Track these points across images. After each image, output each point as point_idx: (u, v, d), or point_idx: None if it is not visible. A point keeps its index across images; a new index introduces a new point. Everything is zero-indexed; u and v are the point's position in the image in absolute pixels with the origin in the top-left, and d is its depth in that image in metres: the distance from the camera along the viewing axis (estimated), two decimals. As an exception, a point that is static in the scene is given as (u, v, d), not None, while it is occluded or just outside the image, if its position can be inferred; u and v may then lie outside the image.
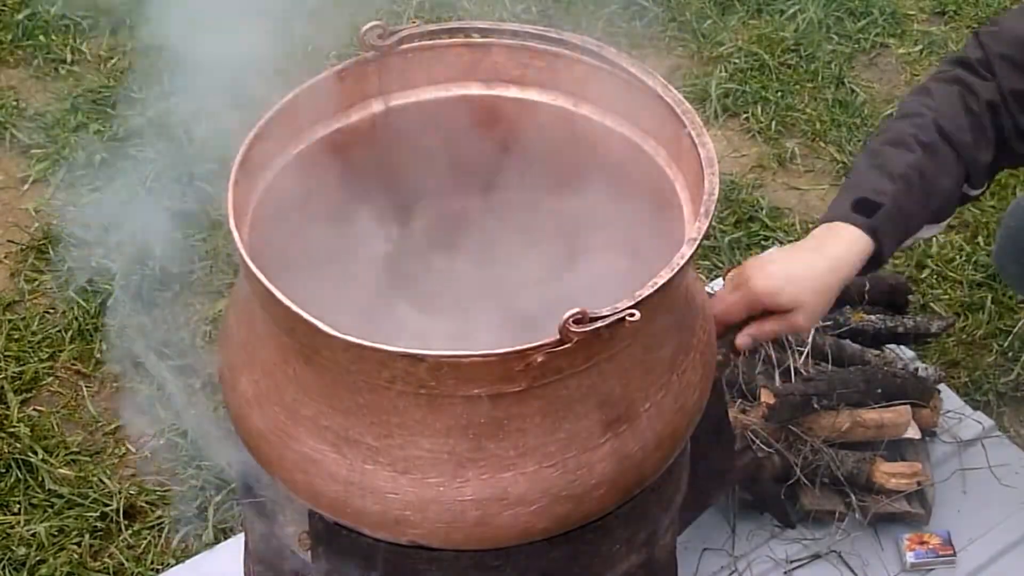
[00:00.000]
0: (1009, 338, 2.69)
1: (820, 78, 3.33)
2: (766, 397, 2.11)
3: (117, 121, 3.12)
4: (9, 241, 2.91)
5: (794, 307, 1.79)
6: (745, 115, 3.25)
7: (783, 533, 2.21)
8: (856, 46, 3.45)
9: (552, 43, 1.69)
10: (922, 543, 2.18)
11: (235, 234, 1.47)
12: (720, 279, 2.42)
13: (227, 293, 2.66)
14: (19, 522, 2.39)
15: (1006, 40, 1.92)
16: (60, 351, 2.66)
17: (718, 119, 3.23)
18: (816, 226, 1.88)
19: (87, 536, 2.37)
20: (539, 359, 1.38)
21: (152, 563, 2.33)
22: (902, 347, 2.40)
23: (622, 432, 1.49)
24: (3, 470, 2.46)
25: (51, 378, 2.63)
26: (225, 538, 2.32)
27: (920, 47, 3.45)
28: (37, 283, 2.80)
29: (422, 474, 1.45)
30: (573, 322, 1.35)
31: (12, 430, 2.52)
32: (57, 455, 2.48)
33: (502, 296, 1.80)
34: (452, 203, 1.82)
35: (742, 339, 1.80)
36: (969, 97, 1.90)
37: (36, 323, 2.71)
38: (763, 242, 2.90)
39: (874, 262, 1.86)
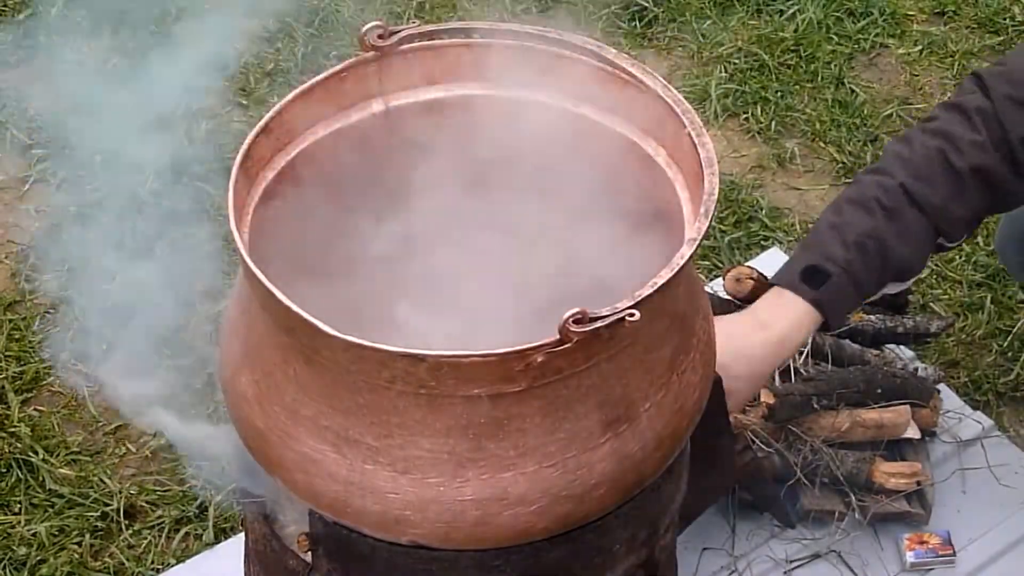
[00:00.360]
0: (1009, 338, 2.69)
1: (820, 78, 3.33)
2: (766, 397, 2.12)
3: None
4: (9, 241, 2.91)
5: (727, 391, 1.79)
6: (745, 115, 3.25)
7: (783, 533, 2.21)
8: (856, 46, 3.45)
9: (552, 43, 1.69)
10: (922, 543, 2.18)
11: (235, 234, 1.47)
12: (720, 279, 2.42)
13: (227, 293, 2.66)
14: (20, 522, 2.39)
15: (1015, 80, 1.84)
16: (60, 351, 2.66)
17: (718, 119, 3.23)
18: (772, 282, 1.90)
19: (88, 536, 2.37)
20: (539, 359, 1.38)
21: (152, 563, 2.33)
22: (902, 347, 2.40)
23: (622, 432, 1.49)
24: (4, 470, 2.46)
25: (51, 378, 2.63)
26: (225, 538, 2.33)
27: (920, 47, 3.45)
28: (37, 283, 2.80)
29: (422, 474, 1.45)
30: (573, 322, 1.35)
31: (13, 430, 2.52)
32: (58, 455, 2.49)
33: (502, 296, 1.80)
34: (452, 203, 1.82)
35: None
36: (953, 154, 1.84)
37: (36, 323, 2.72)
38: (763, 242, 2.90)
39: (825, 328, 1.85)
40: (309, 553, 1.63)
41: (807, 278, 1.84)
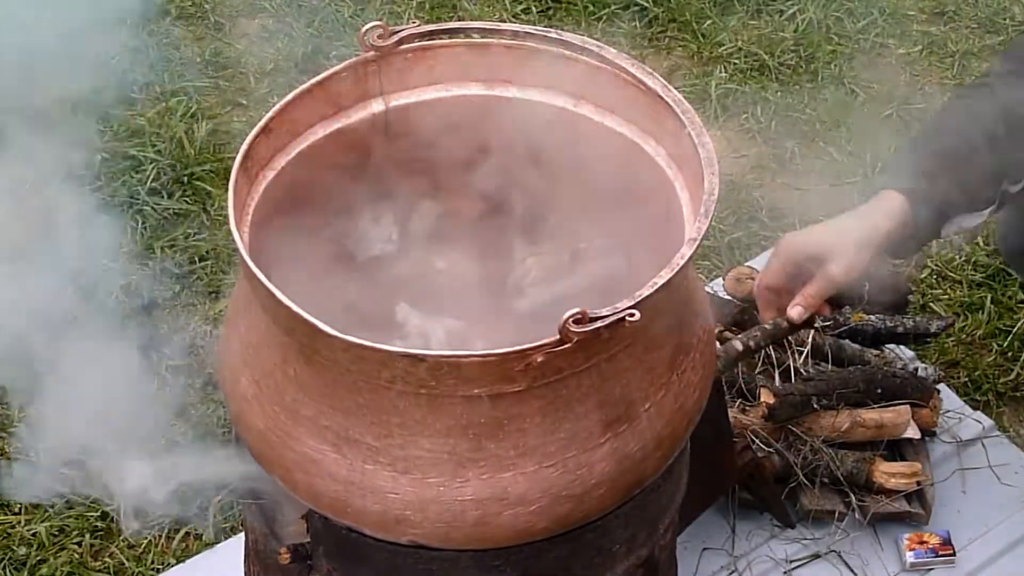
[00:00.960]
0: (1009, 338, 2.69)
1: (820, 78, 3.33)
2: (766, 397, 2.12)
3: (118, 120, 3.12)
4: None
5: (824, 254, 1.84)
6: (745, 115, 3.25)
7: (783, 533, 2.21)
8: (856, 46, 3.45)
9: (552, 43, 1.69)
10: (922, 543, 2.18)
11: (235, 234, 1.47)
12: (720, 279, 2.42)
13: (227, 293, 2.66)
14: (20, 522, 2.39)
15: (1009, 56, 1.99)
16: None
17: (718, 119, 3.23)
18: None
19: (88, 536, 2.37)
20: (539, 359, 1.38)
21: (152, 563, 2.33)
22: (902, 347, 2.40)
23: (622, 432, 1.49)
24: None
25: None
26: (225, 538, 2.32)
27: (920, 47, 3.45)
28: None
29: (422, 474, 1.45)
30: (573, 322, 1.35)
31: (13, 430, 2.52)
32: (57, 455, 2.49)
33: (502, 296, 1.80)
34: (452, 203, 1.82)
35: (793, 310, 1.85)
36: (1003, 95, 1.94)
37: (36, 323, 2.71)
38: (763, 242, 2.90)
39: (914, 232, 1.88)
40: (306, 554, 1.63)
41: (887, 173, 1.92)
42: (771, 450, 2.13)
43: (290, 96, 1.63)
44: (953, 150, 1.90)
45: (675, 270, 1.42)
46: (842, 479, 2.16)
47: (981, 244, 2.89)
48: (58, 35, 1.91)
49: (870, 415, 2.19)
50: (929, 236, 1.92)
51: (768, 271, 1.89)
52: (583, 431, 1.46)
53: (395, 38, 1.67)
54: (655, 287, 1.40)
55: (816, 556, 2.19)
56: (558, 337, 1.36)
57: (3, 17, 1.89)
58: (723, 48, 3.42)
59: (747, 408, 2.17)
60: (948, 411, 2.35)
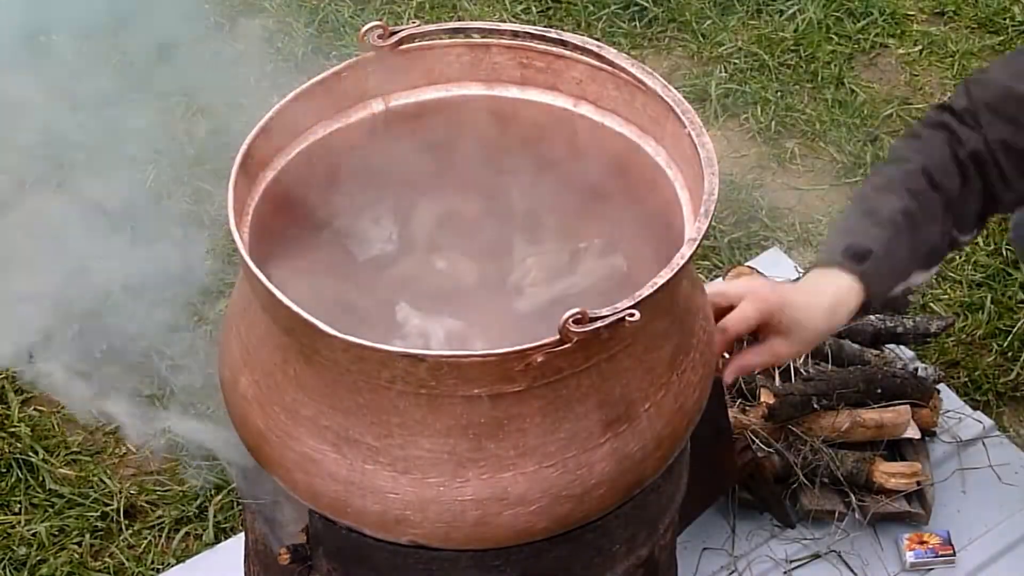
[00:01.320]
0: (1009, 338, 2.69)
1: (820, 78, 3.33)
2: (766, 397, 2.12)
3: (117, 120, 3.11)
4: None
5: (787, 331, 1.78)
6: (745, 115, 3.25)
7: (783, 533, 2.21)
8: (856, 46, 3.45)
9: (552, 43, 1.69)
10: (922, 543, 2.18)
11: (235, 234, 1.47)
12: (720, 279, 2.42)
13: (227, 293, 2.66)
14: (20, 522, 2.39)
15: (991, 89, 1.93)
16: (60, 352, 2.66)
17: (718, 119, 3.23)
18: (808, 271, 1.89)
19: (88, 536, 2.37)
20: (539, 359, 1.38)
21: (152, 563, 2.33)
22: (902, 347, 2.40)
23: (622, 432, 1.49)
24: (4, 470, 2.46)
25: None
26: (225, 538, 2.33)
27: (920, 47, 3.45)
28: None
29: (422, 474, 1.45)
30: (573, 322, 1.35)
31: (13, 430, 2.52)
32: (58, 455, 2.49)
33: (502, 296, 1.80)
34: (452, 203, 1.82)
35: (728, 376, 1.79)
36: (956, 145, 1.91)
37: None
38: (763, 242, 2.90)
39: (863, 309, 1.87)
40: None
41: (849, 255, 1.85)
42: (771, 450, 2.13)
43: (290, 96, 1.63)
44: (904, 211, 1.86)
45: (675, 270, 1.42)
46: (842, 479, 2.16)
47: (981, 244, 2.89)
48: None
49: (870, 415, 2.19)
50: (879, 301, 1.90)
51: (740, 316, 1.77)
52: (583, 431, 1.46)
53: (395, 38, 1.67)
54: (655, 287, 1.40)
55: (816, 556, 2.19)
56: (558, 337, 1.36)
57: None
58: (723, 48, 3.42)
59: (747, 408, 2.17)
60: (948, 411, 2.36)
